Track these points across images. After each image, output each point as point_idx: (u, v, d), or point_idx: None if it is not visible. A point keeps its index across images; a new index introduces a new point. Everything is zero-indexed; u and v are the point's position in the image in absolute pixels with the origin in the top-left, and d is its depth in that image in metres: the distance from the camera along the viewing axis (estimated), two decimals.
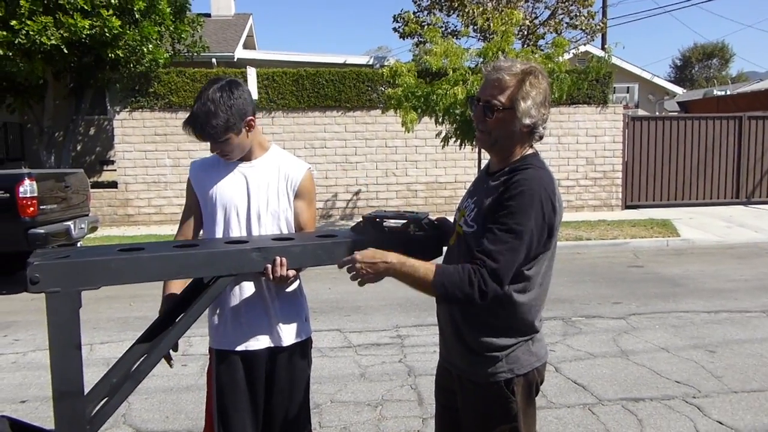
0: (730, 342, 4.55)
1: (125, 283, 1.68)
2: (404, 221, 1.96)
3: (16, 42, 9.03)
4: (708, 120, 12.62)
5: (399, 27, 14.48)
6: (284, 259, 1.80)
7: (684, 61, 43.30)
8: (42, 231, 6.60)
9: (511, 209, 1.54)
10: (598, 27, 14.53)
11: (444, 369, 1.84)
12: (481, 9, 12.74)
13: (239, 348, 2.01)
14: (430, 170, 12.03)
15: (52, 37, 9.08)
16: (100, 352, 4.62)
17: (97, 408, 1.66)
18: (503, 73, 1.62)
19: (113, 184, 11.85)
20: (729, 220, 10.68)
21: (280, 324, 2.03)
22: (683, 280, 6.63)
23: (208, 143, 1.97)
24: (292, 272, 1.84)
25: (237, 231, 2.01)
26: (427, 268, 1.58)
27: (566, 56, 9.51)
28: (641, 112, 17.55)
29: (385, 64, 11.79)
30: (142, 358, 1.75)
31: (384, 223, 1.97)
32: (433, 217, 2.04)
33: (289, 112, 11.66)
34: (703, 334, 4.74)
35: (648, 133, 12.39)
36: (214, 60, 14.16)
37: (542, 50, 11.18)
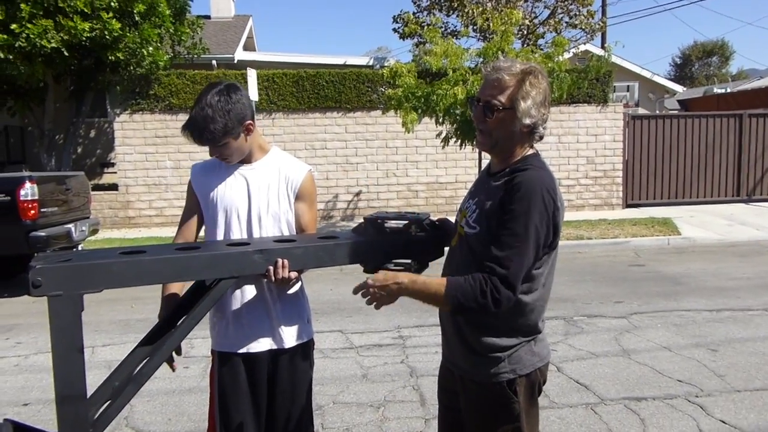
0: (732, 340, 4.54)
1: (127, 286, 1.68)
2: (405, 222, 1.96)
3: (16, 45, 9.04)
4: (708, 118, 12.61)
5: (399, 28, 14.48)
6: (286, 261, 1.80)
7: (684, 59, 43.27)
8: (43, 234, 6.61)
9: (515, 213, 1.55)
10: (597, 26, 14.53)
11: (446, 370, 1.83)
12: (480, 9, 12.75)
13: (241, 350, 2.01)
14: (430, 171, 12.03)
15: (52, 40, 9.09)
16: (102, 354, 4.63)
17: (99, 411, 1.66)
18: (503, 74, 1.62)
19: (114, 187, 11.86)
20: (730, 218, 10.67)
21: (282, 326, 2.03)
22: (685, 279, 6.63)
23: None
24: (294, 274, 1.84)
25: (238, 233, 2.01)
26: (438, 283, 1.59)
27: (566, 55, 9.51)
28: (641, 111, 17.55)
29: (385, 64, 11.79)
30: (145, 361, 1.76)
31: (385, 224, 1.97)
32: (434, 217, 2.04)
33: (290, 113, 11.67)
34: (705, 333, 4.73)
35: (648, 132, 12.38)
36: (214, 62, 14.17)
37: (542, 50, 11.18)
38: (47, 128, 11.41)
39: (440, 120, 8.64)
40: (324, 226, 10.95)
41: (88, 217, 7.98)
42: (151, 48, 10.35)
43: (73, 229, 7.21)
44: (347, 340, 4.81)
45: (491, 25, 9.61)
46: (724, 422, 3.23)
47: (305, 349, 2.10)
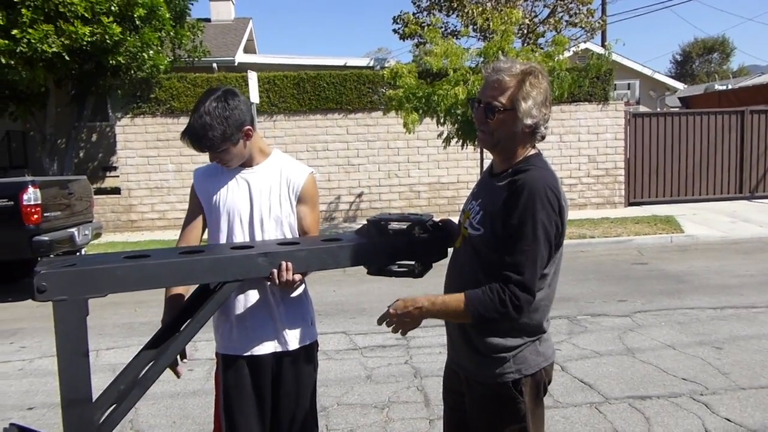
0: (736, 338, 4.53)
1: (131, 290, 1.68)
2: (408, 223, 1.96)
3: (17, 50, 9.07)
4: (710, 115, 12.58)
5: (399, 28, 14.47)
6: (290, 264, 1.80)
7: (684, 56, 43.19)
8: (46, 238, 6.63)
9: (522, 216, 1.55)
10: (597, 24, 14.52)
11: (451, 371, 1.84)
12: (480, 9, 12.74)
13: (245, 353, 2.01)
14: (432, 171, 12.03)
15: (53, 45, 9.12)
16: (106, 358, 4.63)
17: (105, 415, 1.67)
18: (503, 74, 1.62)
19: (116, 190, 11.89)
20: (733, 215, 10.65)
21: (286, 329, 2.03)
22: (688, 277, 6.62)
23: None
24: (298, 276, 1.84)
25: (240, 237, 2.01)
26: (457, 299, 1.60)
27: (566, 54, 9.50)
28: (642, 109, 17.52)
29: (386, 65, 11.81)
30: (150, 365, 1.76)
31: (388, 226, 1.97)
32: (436, 218, 2.04)
33: (291, 115, 11.68)
34: (709, 331, 4.72)
35: (650, 130, 12.37)
36: (214, 65, 14.19)
37: (542, 49, 11.16)
38: (49, 133, 11.44)
39: (441, 120, 8.64)
40: (326, 227, 10.96)
41: (90, 221, 8.00)
42: (151, 52, 10.37)
43: (76, 234, 7.23)
44: (351, 341, 4.81)
45: (491, 24, 9.61)
46: (729, 420, 3.22)
47: (309, 352, 2.11)
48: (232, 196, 2.03)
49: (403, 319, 1.64)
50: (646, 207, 11.99)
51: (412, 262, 1.95)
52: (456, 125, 8.65)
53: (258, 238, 2.01)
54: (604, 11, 16.25)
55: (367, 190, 11.97)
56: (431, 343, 4.59)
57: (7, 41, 9.04)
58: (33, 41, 9.00)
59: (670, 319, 5.06)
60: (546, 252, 1.57)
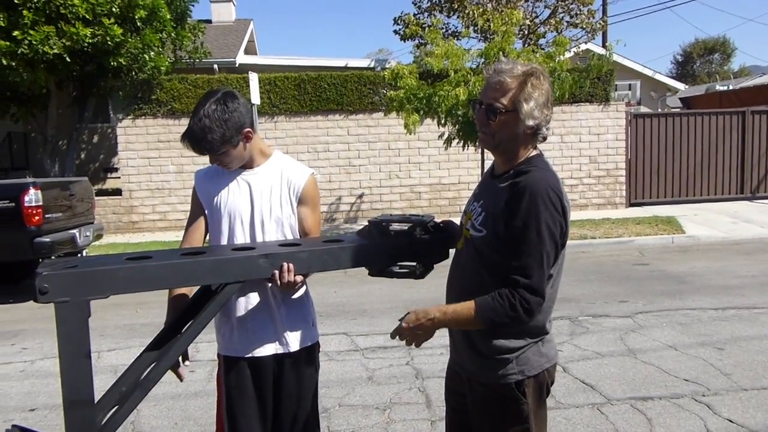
0: (738, 339, 4.53)
1: (133, 291, 1.68)
2: (410, 224, 1.97)
3: (19, 52, 9.08)
4: (711, 115, 12.58)
5: (399, 29, 14.46)
6: (291, 265, 1.80)
7: (685, 56, 43.16)
8: (47, 240, 6.63)
9: (526, 219, 1.55)
10: (598, 25, 14.51)
11: (453, 372, 1.84)
12: (481, 10, 12.73)
13: (246, 355, 2.01)
14: (433, 172, 12.03)
15: (54, 47, 9.13)
16: (108, 359, 4.64)
17: (107, 417, 1.67)
18: (504, 76, 1.62)
19: (117, 192, 11.89)
20: (734, 215, 10.64)
21: (287, 330, 2.03)
22: (689, 277, 6.61)
23: None
24: (299, 278, 1.85)
25: (241, 238, 2.01)
26: (467, 307, 1.60)
27: (567, 55, 9.50)
28: (643, 109, 17.50)
29: (387, 66, 11.81)
30: (152, 367, 1.76)
31: (390, 227, 1.97)
32: (438, 219, 2.04)
33: (292, 116, 11.69)
34: (711, 332, 4.72)
35: (651, 130, 12.36)
36: (215, 66, 14.20)
37: (543, 49, 11.16)
38: (50, 134, 11.45)
39: (442, 121, 8.64)
40: (327, 229, 10.96)
41: (92, 223, 8.01)
42: (152, 53, 10.39)
43: (77, 235, 7.23)
44: (352, 342, 4.81)
45: (492, 25, 9.60)
46: (731, 421, 3.22)
47: (310, 353, 2.11)
48: (233, 197, 2.03)
49: (415, 332, 1.64)
50: (647, 207, 11.98)
51: (414, 263, 1.96)
52: (457, 126, 8.65)
53: (259, 239, 2.01)
54: (604, 12, 16.26)
55: (368, 191, 11.97)
56: (432, 344, 4.54)
57: (8, 43, 9.06)
58: (34, 43, 9.02)
59: (672, 320, 5.05)
60: (552, 252, 1.57)
